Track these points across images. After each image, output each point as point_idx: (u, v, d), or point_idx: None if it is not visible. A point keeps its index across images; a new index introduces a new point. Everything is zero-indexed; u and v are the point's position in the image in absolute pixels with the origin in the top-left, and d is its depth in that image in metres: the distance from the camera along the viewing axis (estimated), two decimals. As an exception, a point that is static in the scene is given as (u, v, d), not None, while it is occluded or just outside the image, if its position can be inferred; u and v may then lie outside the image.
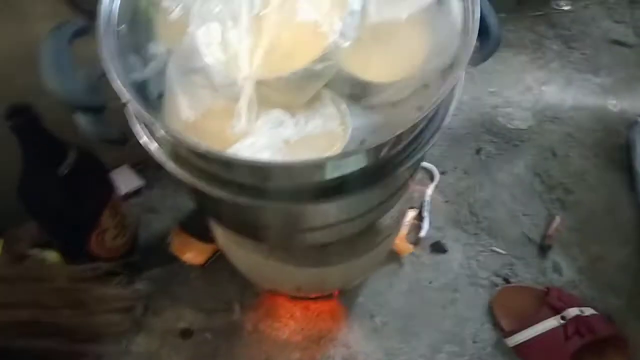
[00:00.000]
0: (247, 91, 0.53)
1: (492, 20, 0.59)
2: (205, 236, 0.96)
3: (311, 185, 0.54)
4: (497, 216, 1.03)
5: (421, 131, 0.58)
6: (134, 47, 0.60)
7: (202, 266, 0.96)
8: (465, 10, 0.58)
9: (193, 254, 0.95)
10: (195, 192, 0.66)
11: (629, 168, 1.07)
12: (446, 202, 1.05)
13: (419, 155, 0.57)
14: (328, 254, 0.73)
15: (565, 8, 1.30)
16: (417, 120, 0.52)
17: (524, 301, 0.93)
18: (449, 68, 0.57)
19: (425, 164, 1.06)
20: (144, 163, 1.05)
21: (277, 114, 0.53)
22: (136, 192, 1.03)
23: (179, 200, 1.03)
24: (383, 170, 0.56)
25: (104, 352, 0.85)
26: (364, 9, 0.58)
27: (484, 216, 1.03)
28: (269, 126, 0.52)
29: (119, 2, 0.58)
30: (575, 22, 1.28)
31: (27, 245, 0.89)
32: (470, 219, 1.03)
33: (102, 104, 0.52)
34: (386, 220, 0.76)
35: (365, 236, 0.74)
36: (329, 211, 0.62)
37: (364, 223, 0.70)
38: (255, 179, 0.53)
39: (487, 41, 0.59)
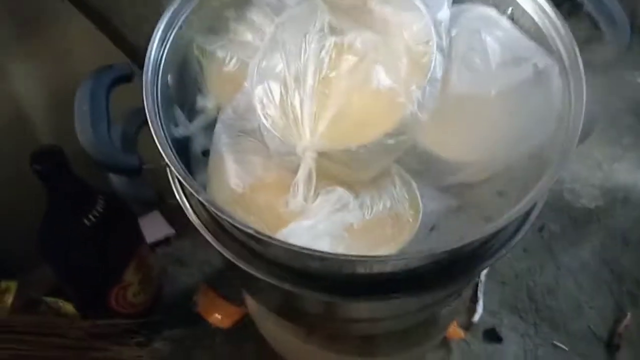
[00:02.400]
0: (307, 163, 0.45)
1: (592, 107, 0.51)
2: (236, 297, 0.88)
3: (368, 279, 0.46)
4: (560, 305, 0.92)
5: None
6: (180, 100, 0.53)
7: (229, 330, 0.87)
8: (565, 88, 0.49)
9: (220, 315, 0.87)
10: (233, 266, 0.58)
11: None
12: (503, 283, 0.94)
13: (495, 258, 0.48)
14: (376, 345, 0.64)
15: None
16: (494, 230, 0.43)
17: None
18: (538, 153, 0.49)
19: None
20: (176, 210, 0.98)
21: (340, 193, 0.45)
22: (165, 241, 0.95)
23: (210, 253, 0.95)
24: (456, 266, 0.47)
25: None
26: (446, 77, 0.50)
27: (545, 304, 0.92)
28: (330, 208, 0.44)
29: (168, 47, 0.51)
30: (652, 96, 1.19)
31: (42, 291, 0.82)
32: (529, 305, 0.92)
33: (137, 167, 0.45)
34: (442, 312, 0.66)
35: (420, 328, 0.65)
36: (381, 306, 0.53)
37: (419, 318, 0.61)
38: (307, 266, 0.44)
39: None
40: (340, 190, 0.45)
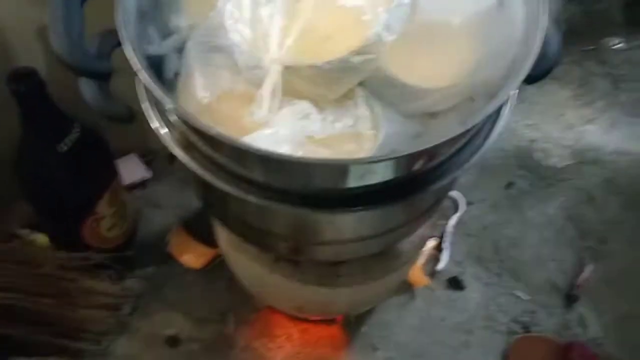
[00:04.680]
0: (273, 75, 0.46)
1: (554, 34, 0.53)
2: (208, 239, 0.90)
3: (330, 192, 0.48)
4: (523, 258, 0.95)
5: (459, 149, 0.51)
6: (155, 19, 0.54)
7: (200, 270, 0.89)
8: (529, 16, 0.51)
9: (192, 256, 0.89)
10: (203, 187, 0.60)
11: (670, 224, 0.99)
12: (469, 235, 0.97)
13: (453, 175, 0.51)
14: (337, 275, 0.66)
15: (619, 46, 1.23)
16: (457, 134, 0.45)
17: (543, 354, 0.85)
18: (501, 82, 0.51)
19: (451, 192, 0.99)
20: (153, 154, 0.99)
21: (303, 105, 0.47)
22: (141, 184, 0.96)
23: (185, 197, 0.96)
24: (412, 185, 0.49)
25: (83, 349, 0.78)
26: (413, 3, 0.51)
27: (509, 256, 0.95)
28: (293, 118, 0.46)
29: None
30: (627, 62, 1.20)
31: (18, 224, 0.83)
32: (493, 257, 0.95)
33: (108, 70, 0.46)
34: (405, 245, 0.69)
35: (381, 260, 0.67)
36: (345, 224, 0.55)
37: (381, 245, 0.63)
38: (269, 175, 0.46)
39: (544, 58, 0.52)
40: (304, 103, 0.47)
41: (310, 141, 0.46)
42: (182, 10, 0.54)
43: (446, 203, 0.99)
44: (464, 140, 0.50)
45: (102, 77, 0.47)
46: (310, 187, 0.47)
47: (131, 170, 0.95)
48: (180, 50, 0.54)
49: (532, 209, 1.01)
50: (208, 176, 0.48)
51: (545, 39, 0.49)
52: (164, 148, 0.94)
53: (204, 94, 0.48)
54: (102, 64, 0.47)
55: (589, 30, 1.23)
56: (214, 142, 0.46)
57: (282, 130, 0.45)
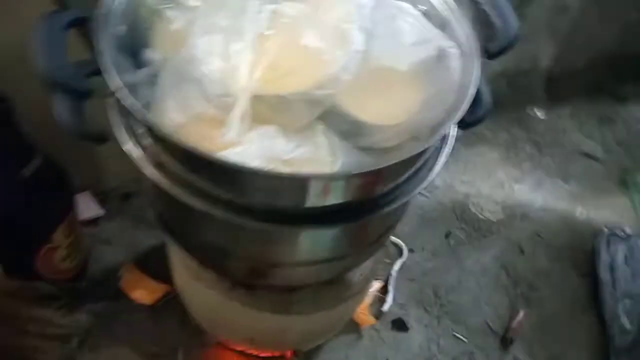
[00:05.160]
0: (242, 102, 0.51)
1: (484, 87, 0.61)
2: (159, 275, 0.91)
3: (290, 210, 0.52)
4: (461, 302, 1.01)
5: (408, 178, 0.58)
6: (130, 50, 0.59)
7: (151, 307, 0.89)
8: (464, 69, 0.59)
9: (144, 291, 0.90)
10: (169, 209, 0.63)
11: (593, 275, 1.07)
12: (412, 280, 1.03)
13: (403, 200, 0.57)
14: (291, 302, 0.69)
15: (540, 117, 1.36)
16: (407, 156, 0.51)
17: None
18: (441, 124, 0.58)
19: (394, 239, 1.05)
20: (106, 193, 1.01)
21: (270, 129, 0.52)
22: (93, 222, 0.98)
23: (137, 236, 0.98)
24: (366, 208, 0.55)
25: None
26: (367, 51, 0.59)
27: (448, 300, 1.01)
28: (260, 139, 0.51)
29: (122, 2, 0.57)
30: (549, 130, 1.34)
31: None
32: (434, 300, 1.00)
33: (87, 89, 0.50)
34: (355, 276, 0.73)
35: (332, 289, 0.71)
36: (302, 244, 0.59)
37: (333, 272, 0.67)
38: (236, 190, 0.50)
39: (478, 107, 0.60)
40: (271, 127, 0.52)
41: (276, 162, 0.51)
42: (155, 45, 0.59)
43: (391, 249, 1.05)
44: (412, 169, 0.56)
45: (82, 95, 0.51)
46: (273, 203, 0.51)
47: (85, 207, 0.96)
48: (152, 82, 0.59)
49: (469, 257, 1.08)
50: (178, 192, 0.52)
51: (478, 89, 0.57)
52: (117, 187, 0.99)
53: (176, 116, 0.53)
54: (83, 83, 0.51)
55: (514, 100, 1.37)
56: (187, 157, 0.50)
57: (250, 148, 0.49)
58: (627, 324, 0.97)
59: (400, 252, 1.05)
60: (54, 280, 0.80)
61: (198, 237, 0.62)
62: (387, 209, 0.55)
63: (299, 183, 0.49)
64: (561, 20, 1.35)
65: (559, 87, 1.41)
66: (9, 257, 0.79)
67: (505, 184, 1.22)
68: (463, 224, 1.13)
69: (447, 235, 1.11)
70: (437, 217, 1.13)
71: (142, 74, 0.58)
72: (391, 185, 0.56)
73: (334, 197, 0.52)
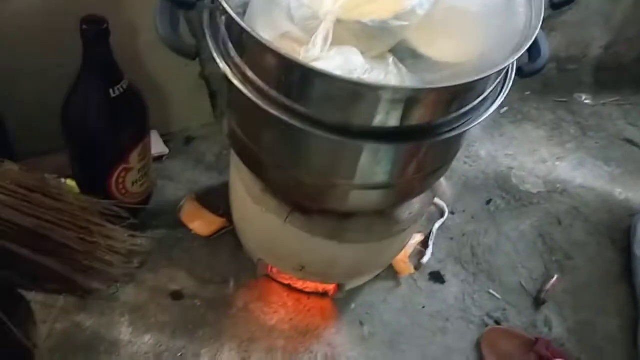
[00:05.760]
0: (327, 23, 0.57)
1: (544, 40, 0.65)
2: (217, 210, 0.97)
3: (357, 126, 0.57)
4: (498, 262, 1.05)
5: (467, 112, 0.62)
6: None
7: (207, 239, 0.96)
8: (528, 17, 0.64)
9: (201, 223, 0.96)
10: (247, 120, 0.68)
11: (628, 250, 1.10)
12: (451, 239, 1.07)
13: (461, 130, 0.61)
14: (344, 229, 0.75)
15: (586, 102, 1.39)
16: (478, 78, 0.56)
17: (512, 345, 0.93)
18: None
19: (437, 200, 1.09)
20: (171, 135, 1.08)
21: (350, 48, 0.57)
22: (159, 158, 1.04)
23: (197, 176, 1.05)
24: (426, 132, 0.59)
25: (91, 290, 0.83)
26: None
27: (485, 260, 1.05)
28: (341, 54, 0.56)
29: None
30: (594, 115, 1.36)
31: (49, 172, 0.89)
32: (471, 259, 1.05)
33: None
34: (405, 213, 0.78)
35: (383, 221, 0.76)
36: (362, 163, 0.63)
37: (387, 200, 0.72)
38: (311, 105, 0.56)
39: (537, 58, 0.64)
40: (350, 47, 0.58)
41: (352, 76, 0.56)
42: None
43: (432, 209, 1.09)
44: (474, 100, 0.61)
45: (189, 6, 0.57)
46: (344, 118, 0.56)
47: (153, 143, 1.03)
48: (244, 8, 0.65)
49: (507, 224, 1.12)
50: (261, 103, 0.58)
51: (537, 40, 0.61)
52: (182, 131, 1.05)
53: (264, 33, 0.58)
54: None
55: (562, 84, 1.40)
56: (272, 69, 0.55)
57: (331, 62, 0.55)
58: (658, 298, 1.00)
59: (442, 214, 1.09)
60: (123, 203, 0.86)
61: (269, 153, 0.67)
62: (446, 136, 0.60)
63: (373, 92, 0.54)
64: (613, 10, 1.38)
65: (607, 77, 1.44)
66: (86, 174, 0.85)
67: (548, 161, 1.25)
68: (504, 192, 1.17)
69: (488, 202, 1.14)
70: (480, 185, 1.17)
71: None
72: (453, 113, 0.60)
73: (401, 116, 0.56)
